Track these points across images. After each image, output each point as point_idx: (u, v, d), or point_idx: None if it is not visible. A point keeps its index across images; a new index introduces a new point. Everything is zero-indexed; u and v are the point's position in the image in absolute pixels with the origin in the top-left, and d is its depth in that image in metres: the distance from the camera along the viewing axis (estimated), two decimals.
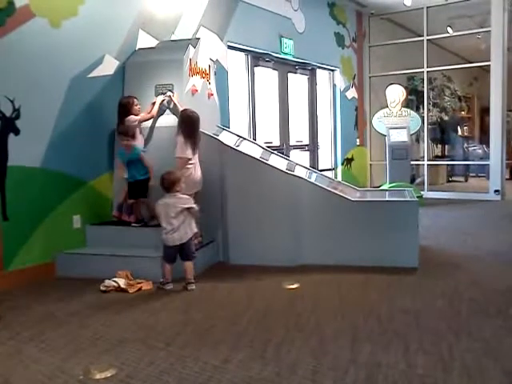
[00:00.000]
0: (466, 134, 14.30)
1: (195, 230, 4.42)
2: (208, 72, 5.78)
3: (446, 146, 13.32)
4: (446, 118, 12.50)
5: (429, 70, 10.06)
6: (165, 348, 3.08)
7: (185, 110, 4.96)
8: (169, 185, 4.33)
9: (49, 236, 4.77)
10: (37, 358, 3.00)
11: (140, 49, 5.66)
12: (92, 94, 5.18)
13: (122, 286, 4.21)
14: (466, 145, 13.16)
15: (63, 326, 3.51)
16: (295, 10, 8.35)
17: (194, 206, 4.38)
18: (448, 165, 12.34)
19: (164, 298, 4.12)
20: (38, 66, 4.66)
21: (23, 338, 3.28)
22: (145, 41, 5.74)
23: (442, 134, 12.74)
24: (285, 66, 8.35)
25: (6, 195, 4.45)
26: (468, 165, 12.65)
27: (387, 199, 5.53)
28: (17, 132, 4.52)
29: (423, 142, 10.55)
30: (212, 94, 5.88)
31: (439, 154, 13.07)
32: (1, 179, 4.42)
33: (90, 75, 5.15)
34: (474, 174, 12.63)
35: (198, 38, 5.87)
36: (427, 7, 9.76)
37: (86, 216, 5.10)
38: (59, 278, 4.67)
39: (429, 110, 10.52)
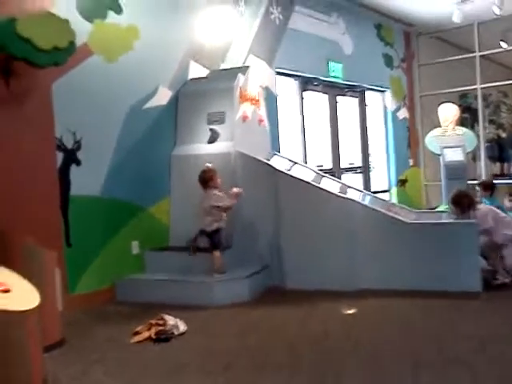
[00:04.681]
0: None
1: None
2: (258, 98, 5.88)
3: (505, 164, 12.81)
4: (503, 134, 12.06)
5: (482, 86, 9.80)
6: (223, 373, 3.08)
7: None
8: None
9: (109, 262, 4.91)
10: (101, 381, 3.06)
11: (191, 79, 5.84)
12: (147, 124, 5.37)
13: (153, 336, 3.73)
14: None
15: (125, 349, 3.58)
16: (342, 34, 8.39)
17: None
18: (508, 184, 11.83)
19: (221, 322, 4.14)
20: (97, 99, 4.88)
21: (88, 361, 3.37)
22: (196, 71, 5.91)
23: (500, 151, 12.28)
24: (334, 89, 8.36)
25: (70, 223, 4.64)
26: None
27: (444, 221, 5.37)
28: (78, 163, 4.74)
29: (480, 160, 10.21)
30: (262, 121, 5.97)
31: (498, 172, 12.59)
32: (64, 208, 4.62)
33: (145, 106, 5.35)
34: None
35: (248, 66, 6.00)
36: (478, 23, 9.56)
37: (144, 242, 5.23)
38: (119, 302, 4.78)
39: (485, 127, 10.20)
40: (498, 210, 5.17)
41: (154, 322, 3.81)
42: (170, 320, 3.82)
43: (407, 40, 10.32)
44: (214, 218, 4.84)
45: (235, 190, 4.92)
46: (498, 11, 8.39)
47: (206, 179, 4.89)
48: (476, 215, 4.90)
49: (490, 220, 4.90)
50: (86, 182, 4.78)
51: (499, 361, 3.07)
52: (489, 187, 5.53)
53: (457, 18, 9.06)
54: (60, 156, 4.63)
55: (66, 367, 3.27)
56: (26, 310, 2.85)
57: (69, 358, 3.44)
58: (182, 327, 3.82)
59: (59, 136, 4.61)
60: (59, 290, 3.75)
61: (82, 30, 4.70)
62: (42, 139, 4.51)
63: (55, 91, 4.57)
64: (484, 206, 5.14)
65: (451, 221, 5.20)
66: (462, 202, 5.01)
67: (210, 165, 4.98)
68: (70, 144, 4.68)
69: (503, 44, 10.07)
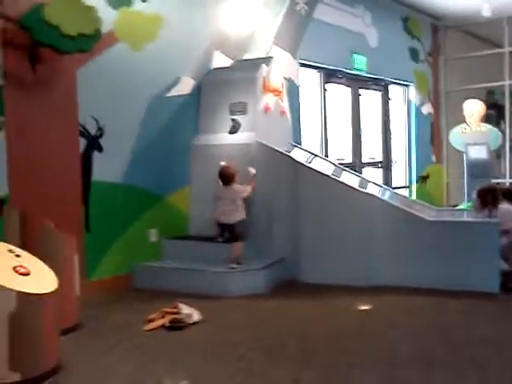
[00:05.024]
0: None
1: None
2: (281, 90, 5.86)
3: None
4: None
5: (511, 82, 9.58)
6: (235, 363, 3.11)
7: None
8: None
9: (127, 248, 4.98)
10: (114, 366, 3.12)
11: (215, 68, 5.84)
12: (169, 113, 5.39)
13: (167, 323, 3.77)
14: None
15: (139, 336, 3.64)
16: (368, 26, 8.29)
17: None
18: None
19: (235, 313, 4.18)
20: (121, 87, 4.92)
21: (102, 347, 3.43)
22: (219, 61, 5.91)
23: None
24: (357, 82, 8.28)
25: (90, 209, 4.71)
26: None
27: (465, 220, 5.32)
28: (100, 149, 4.79)
29: (505, 158, 10.02)
30: (285, 112, 5.95)
31: None
32: (85, 193, 4.69)
33: (168, 95, 5.37)
34: None
35: (271, 57, 5.98)
36: (508, 17, 9.33)
37: (162, 230, 5.28)
38: (136, 289, 4.84)
39: (511, 124, 10.00)
40: None
41: (168, 309, 3.87)
42: (184, 309, 3.86)
43: (434, 33, 10.14)
44: (236, 209, 4.87)
45: (252, 170, 4.99)
46: None
47: (229, 178, 4.89)
48: (496, 213, 4.86)
49: (511, 220, 4.84)
50: (108, 168, 4.84)
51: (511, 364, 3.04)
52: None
53: (486, 12, 8.86)
54: (83, 142, 4.68)
55: (80, 351, 3.34)
56: (44, 294, 2.92)
57: (84, 342, 3.51)
58: (196, 316, 3.86)
59: (83, 122, 4.66)
60: (77, 275, 3.81)
61: (108, 17, 4.72)
62: (66, 125, 4.57)
63: (80, 78, 4.62)
64: (506, 205, 5.05)
65: (472, 220, 5.16)
66: (487, 197, 5.02)
67: (223, 163, 4.98)
68: (93, 130, 4.74)
69: None
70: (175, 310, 3.83)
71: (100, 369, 3.09)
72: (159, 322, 3.77)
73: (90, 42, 4.40)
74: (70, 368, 3.05)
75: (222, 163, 4.99)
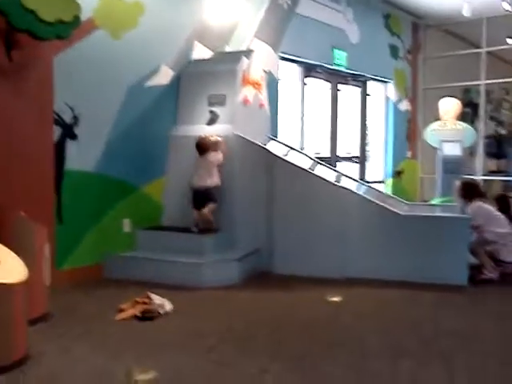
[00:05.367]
0: None
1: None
2: (260, 83, 5.87)
3: (503, 161, 12.84)
4: (503, 131, 12.05)
5: (486, 82, 9.74)
6: (205, 354, 3.13)
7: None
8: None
9: (99, 239, 4.95)
10: (83, 356, 3.11)
11: (195, 60, 5.81)
12: (147, 103, 5.35)
13: (138, 313, 3.78)
14: None
15: (109, 326, 3.63)
16: (349, 22, 8.32)
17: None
18: (504, 180, 11.85)
19: (208, 304, 4.20)
20: (98, 75, 4.87)
21: (72, 336, 3.42)
22: (200, 52, 5.87)
23: (498, 148, 12.30)
24: (336, 77, 8.32)
25: (63, 198, 4.66)
26: None
27: (437, 214, 5.44)
28: (74, 137, 4.74)
29: (477, 156, 10.21)
30: (263, 105, 5.96)
31: (494, 168, 12.61)
32: (58, 182, 4.64)
33: (146, 84, 5.33)
34: None
35: (252, 50, 5.97)
36: (487, 18, 9.46)
37: (136, 220, 5.25)
38: (107, 279, 4.81)
39: (485, 123, 10.18)
40: (491, 207, 5.24)
41: (139, 300, 3.87)
42: (156, 299, 3.87)
43: (415, 32, 10.22)
44: (210, 175, 5.05)
45: (216, 137, 5.16)
46: (508, 7, 8.33)
47: (204, 148, 5.08)
48: (468, 209, 5.08)
49: (481, 217, 4.98)
50: (81, 157, 4.78)
51: (478, 356, 3.13)
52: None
53: (467, 12, 8.96)
54: (57, 130, 4.62)
55: (49, 341, 3.32)
56: (13, 283, 2.89)
57: (53, 332, 3.48)
58: (168, 307, 3.88)
59: (58, 110, 4.60)
60: (47, 265, 3.77)
61: (88, 4, 4.64)
62: (40, 113, 4.50)
63: (57, 65, 4.54)
64: (478, 203, 5.19)
65: (443, 215, 5.30)
66: (468, 190, 5.33)
67: (202, 134, 5.17)
68: (68, 119, 4.67)
69: (510, 41, 9.99)
70: (147, 301, 3.84)
71: (69, 359, 3.08)
72: (130, 312, 3.77)
73: (68, 28, 4.32)
74: (39, 358, 3.04)
75: (202, 135, 5.16)
